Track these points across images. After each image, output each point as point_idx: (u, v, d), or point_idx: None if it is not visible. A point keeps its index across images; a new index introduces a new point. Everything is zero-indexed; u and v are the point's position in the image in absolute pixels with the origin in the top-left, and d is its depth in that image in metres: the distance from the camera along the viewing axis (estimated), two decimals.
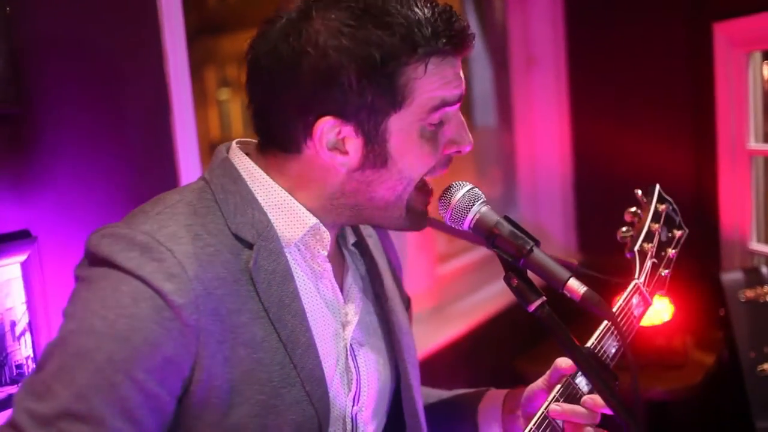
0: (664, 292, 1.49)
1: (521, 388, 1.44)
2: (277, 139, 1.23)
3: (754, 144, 3.18)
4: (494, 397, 1.50)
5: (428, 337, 2.97)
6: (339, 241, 1.38)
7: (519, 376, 3.28)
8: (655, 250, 1.48)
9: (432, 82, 1.16)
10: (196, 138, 2.00)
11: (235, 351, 1.12)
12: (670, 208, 1.53)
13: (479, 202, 1.21)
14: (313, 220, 1.23)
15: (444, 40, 1.15)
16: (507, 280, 1.19)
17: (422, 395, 1.58)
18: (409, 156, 1.19)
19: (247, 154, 1.26)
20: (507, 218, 1.20)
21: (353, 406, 1.31)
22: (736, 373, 2.77)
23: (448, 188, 1.23)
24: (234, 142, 1.30)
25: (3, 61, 1.51)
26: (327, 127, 1.16)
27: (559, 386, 1.32)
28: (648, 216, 1.49)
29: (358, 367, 1.32)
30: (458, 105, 1.23)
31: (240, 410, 1.12)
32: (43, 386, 1.03)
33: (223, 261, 1.14)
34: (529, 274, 1.19)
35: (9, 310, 1.53)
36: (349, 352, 1.31)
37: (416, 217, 1.27)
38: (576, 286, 1.13)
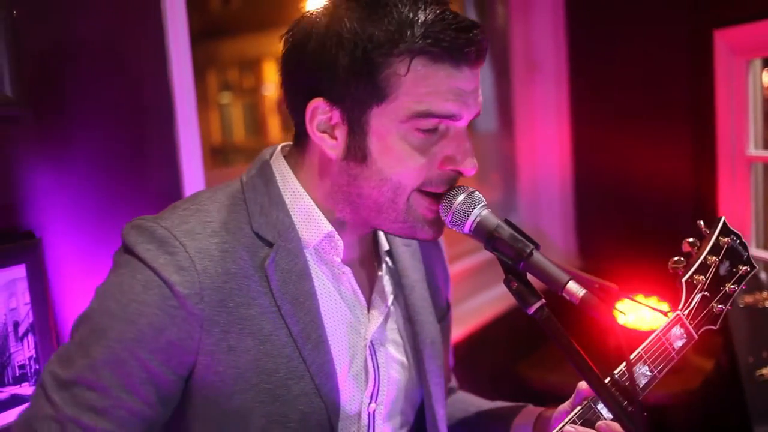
0: (716, 327, 1.44)
1: (553, 408, 1.45)
2: (295, 125, 1.31)
3: (753, 150, 3.19)
4: (528, 414, 1.53)
5: None
6: (374, 246, 1.42)
7: (521, 381, 3.29)
8: (708, 283, 1.43)
9: (418, 86, 1.16)
10: (199, 141, 2.01)
11: (242, 341, 1.19)
12: (737, 241, 1.47)
13: (480, 205, 1.22)
14: (328, 227, 1.28)
15: (429, 41, 1.14)
16: (507, 283, 1.20)
17: (464, 402, 1.65)
18: (388, 157, 1.20)
19: (285, 158, 1.33)
20: (507, 221, 1.21)
21: (371, 402, 1.35)
22: (735, 377, 2.77)
23: (449, 192, 1.23)
24: (279, 146, 1.37)
25: (9, 64, 1.52)
26: (318, 109, 1.21)
27: (578, 408, 1.33)
28: (706, 248, 1.45)
29: (377, 366, 1.36)
30: (460, 122, 1.21)
31: (245, 396, 1.19)
32: (67, 354, 1.17)
33: (236, 258, 1.21)
34: (530, 277, 1.20)
35: (13, 310, 1.55)
36: (369, 351, 1.35)
37: (420, 225, 1.26)
38: (575, 290, 1.14)
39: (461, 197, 1.22)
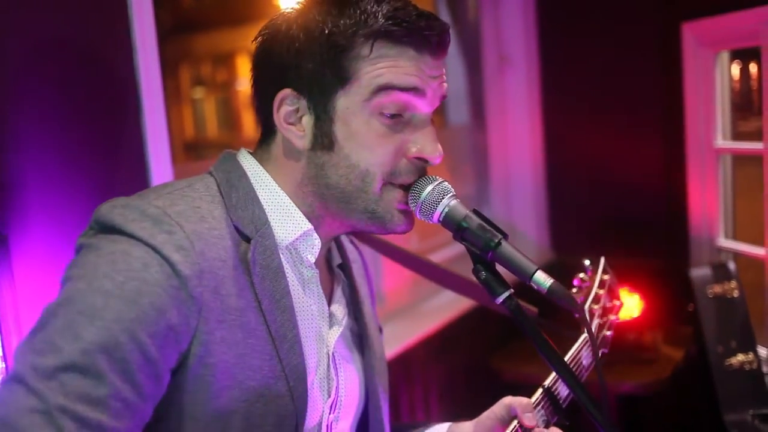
0: (606, 351, 1.61)
1: (464, 420, 1.47)
2: (261, 122, 1.30)
3: (721, 142, 3.24)
4: (437, 430, 1.52)
5: (403, 333, 2.98)
6: (329, 259, 1.41)
7: (494, 372, 3.31)
8: (600, 312, 1.61)
9: (379, 65, 1.18)
10: (167, 138, 1.99)
11: (233, 332, 1.14)
12: (613, 280, 1.68)
13: (448, 195, 1.22)
14: (307, 225, 1.26)
15: (391, 22, 1.17)
16: (475, 273, 1.20)
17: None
18: (354, 142, 1.20)
19: (252, 156, 1.31)
20: (476, 212, 1.21)
21: (330, 413, 1.32)
22: (705, 367, 2.81)
23: (418, 182, 1.23)
24: (242, 148, 1.35)
25: None
26: (286, 100, 1.22)
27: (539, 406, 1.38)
28: (595, 283, 1.63)
29: (338, 377, 1.33)
30: (423, 103, 1.22)
31: (231, 393, 1.14)
32: (45, 343, 1.03)
33: (225, 246, 1.17)
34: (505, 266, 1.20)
35: None
36: (331, 361, 1.32)
37: (390, 216, 1.25)
38: (543, 279, 1.15)
39: (429, 187, 1.22)
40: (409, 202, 1.24)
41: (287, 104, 1.22)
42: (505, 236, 1.19)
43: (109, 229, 1.12)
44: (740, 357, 2.76)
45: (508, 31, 3.78)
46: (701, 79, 3.22)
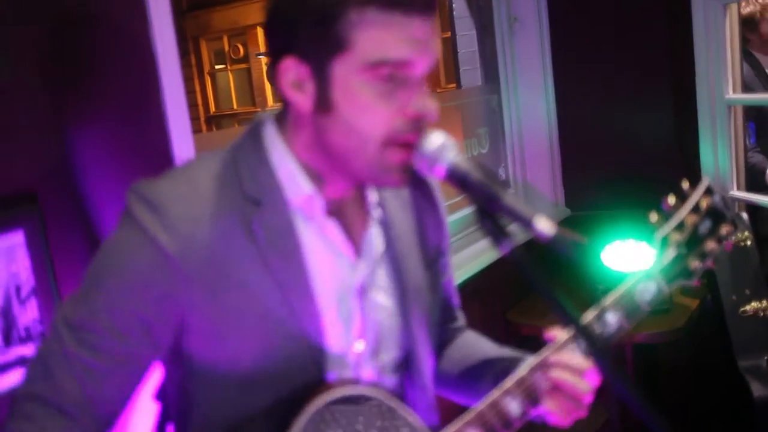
0: (692, 283, 1.50)
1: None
2: (276, 86, 1.34)
3: (732, 94, 3.25)
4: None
5: None
6: (363, 199, 1.46)
7: (512, 327, 3.38)
8: (686, 241, 1.49)
9: (372, 37, 1.21)
10: (186, 111, 2.05)
11: (229, 297, 1.28)
12: (720, 202, 1.51)
13: (451, 151, 1.26)
14: (308, 189, 1.33)
15: None
16: (480, 224, 1.25)
17: (469, 348, 1.71)
18: (352, 105, 1.24)
19: (275, 122, 1.38)
20: (478, 165, 1.25)
21: (356, 343, 1.41)
22: (719, 315, 2.86)
23: (421, 139, 1.27)
24: (271, 115, 1.41)
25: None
26: (289, 66, 1.26)
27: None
28: (686, 206, 1.50)
29: (363, 309, 1.42)
30: (415, 69, 1.25)
31: (236, 351, 1.30)
32: (76, 298, 1.29)
33: (223, 219, 1.28)
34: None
35: (14, 274, 1.60)
36: (356, 296, 1.41)
37: (387, 173, 1.29)
38: (547, 227, 1.18)
39: (433, 144, 1.27)
40: (413, 158, 1.28)
41: (290, 70, 1.26)
42: (506, 188, 1.24)
43: (126, 209, 1.30)
44: (754, 304, 2.80)
45: None
46: (711, 31, 3.21)
